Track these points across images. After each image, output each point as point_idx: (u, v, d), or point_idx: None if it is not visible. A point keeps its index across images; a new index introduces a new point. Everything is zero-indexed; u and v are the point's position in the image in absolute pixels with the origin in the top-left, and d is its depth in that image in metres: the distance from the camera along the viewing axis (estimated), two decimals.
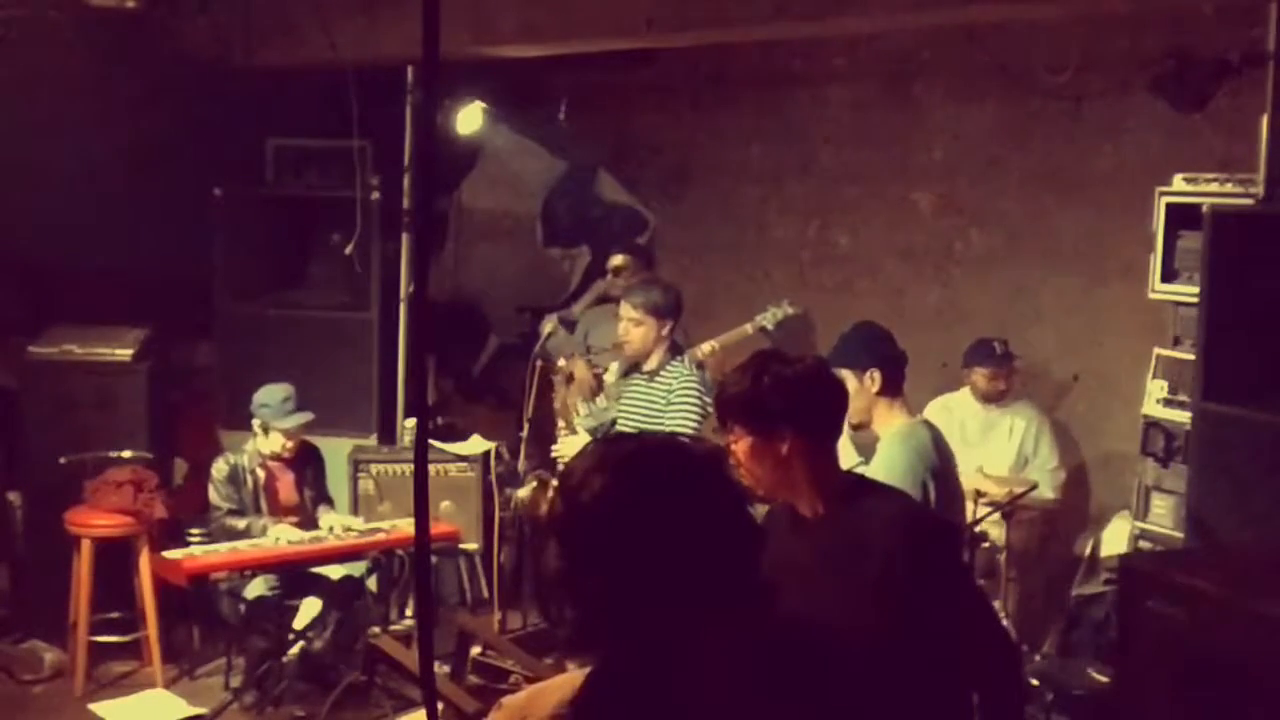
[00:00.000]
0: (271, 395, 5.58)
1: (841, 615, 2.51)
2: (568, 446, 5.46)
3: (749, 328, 6.13)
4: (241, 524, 5.52)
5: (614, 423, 5.38)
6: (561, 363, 6.15)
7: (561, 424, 5.54)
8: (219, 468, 5.63)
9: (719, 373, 6.17)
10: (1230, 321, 4.36)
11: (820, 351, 6.44)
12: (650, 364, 5.27)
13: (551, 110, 7.09)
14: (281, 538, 5.44)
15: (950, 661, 2.69)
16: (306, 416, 5.60)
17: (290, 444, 5.64)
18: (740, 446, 2.75)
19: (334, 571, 5.60)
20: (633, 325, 5.24)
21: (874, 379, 3.87)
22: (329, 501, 5.90)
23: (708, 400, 5.18)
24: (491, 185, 7.74)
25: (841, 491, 2.80)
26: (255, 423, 5.63)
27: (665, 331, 5.27)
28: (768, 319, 6.15)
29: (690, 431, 5.05)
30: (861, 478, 3.02)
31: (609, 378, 5.83)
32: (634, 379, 5.35)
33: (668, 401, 5.14)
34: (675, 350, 5.33)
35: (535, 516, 5.76)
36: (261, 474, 5.67)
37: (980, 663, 2.75)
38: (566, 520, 1.77)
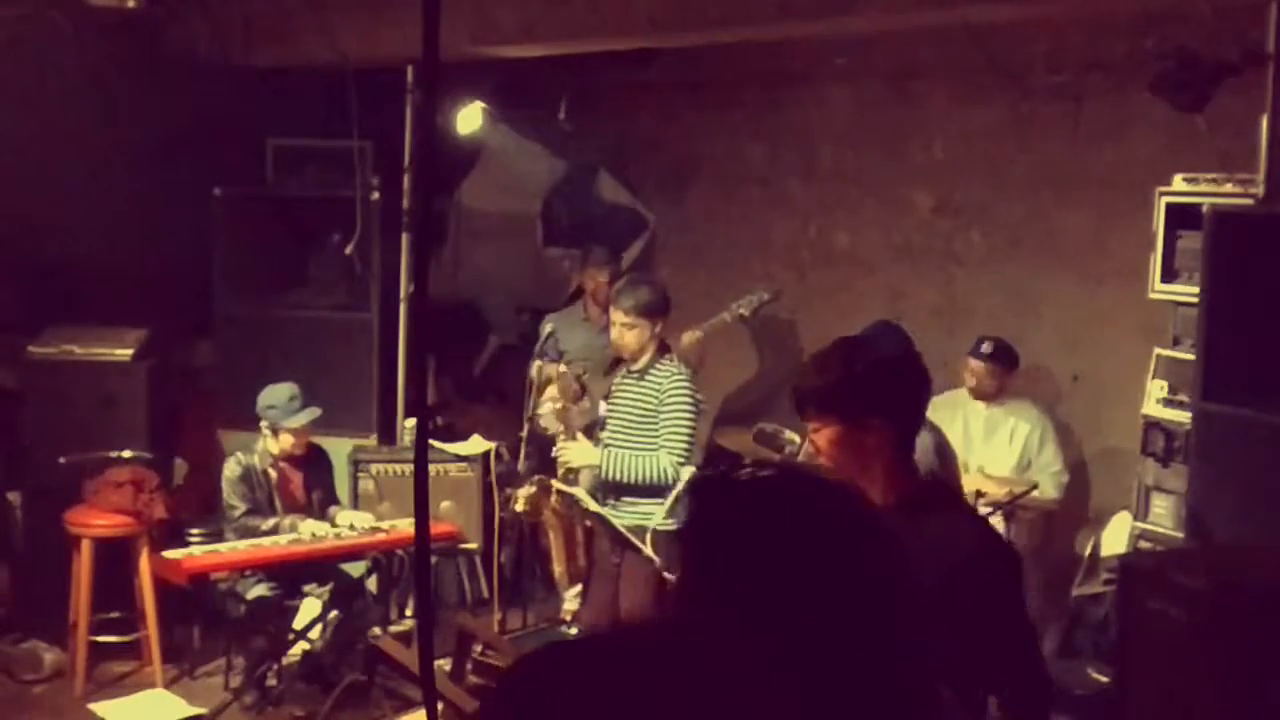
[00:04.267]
0: (277, 396, 5.57)
1: None
2: (572, 452, 5.43)
3: (727, 316, 6.15)
4: (267, 524, 5.50)
5: (604, 421, 5.37)
6: (544, 369, 6.13)
7: (561, 429, 5.50)
8: (231, 468, 5.60)
9: (700, 361, 6.18)
10: (1230, 321, 4.36)
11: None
12: (640, 363, 5.24)
13: (551, 110, 7.09)
14: (318, 533, 5.44)
15: (983, 687, 2.62)
16: (315, 413, 5.60)
17: (301, 442, 5.63)
18: (824, 435, 2.69)
19: (330, 574, 5.60)
20: (626, 329, 5.20)
21: None
22: (337, 502, 5.89)
23: (699, 397, 5.20)
24: (491, 185, 7.73)
25: (915, 491, 2.72)
26: (263, 425, 5.61)
27: (657, 330, 5.26)
28: (744, 306, 6.16)
29: (686, 428, 5.07)
30: (940, 483, 2.98)
31: (587, 379, 5.83)
32: (624, 379, 5.34)
33: (660, 400, 5.13)
34: (664, 349, 5.33)
35: (535, 519, 5.76)
36: (274, 474, 5.66)
37: (1014, 694, 2.70)
38: (696, 538, 1.59)
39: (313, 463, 5.80)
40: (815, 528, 1.55)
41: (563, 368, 5.96)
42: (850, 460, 2.65)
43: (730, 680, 1.42)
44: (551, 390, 5.83)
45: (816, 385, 2.70)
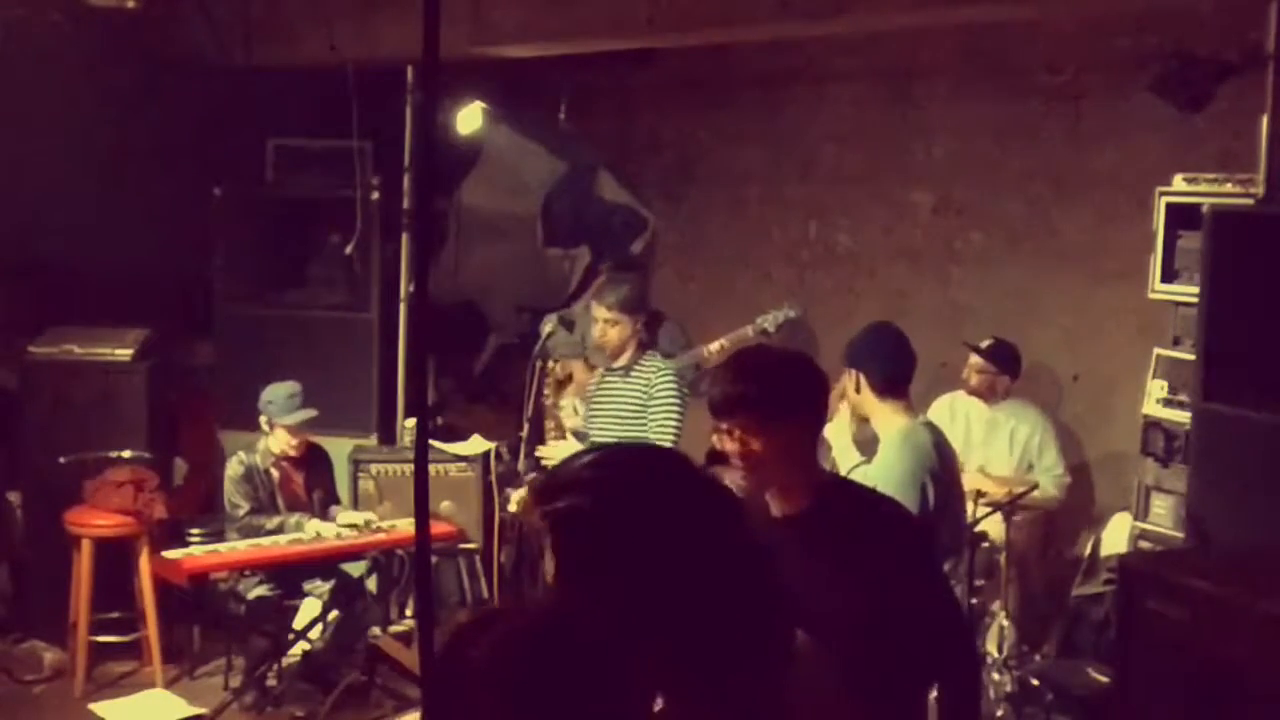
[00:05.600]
0: (277, 392, 5.60)
1: (823, 608, 2.58)
2: (556, 451, 5.46)
3: (749, 330, 6.14)
4: (272, 523, 5.52)
5: (589, 422, 5.39)
6: (555, 364, 6.16)
7: (551, 425, 5.54)
8: (234, 467, 5.62)
9: None
10: (1230, 321, 4.35)
11: (824, 351, 6.45)
12: (622, 361, 5.29)
13: (551, 110, 7.08)
14: (323, 532, 5.46)
15: (916, 657, 2.78)
16: (310, 413, 5.61)
17: (295, 441, 5.64)
18: (750, 442, 2.76)
19: (330, 574, 5.60)
20: (609, 326, 5.25)
21: (859, 381, 3.97)
22: (338, 501, 5.90)
23: (685, 393, 5.26)
24: (491, 185, 7.73)
25: (825, 486, 2.86)
26: (261, 419, 5.64)
27: (638, 327, 5.30)
28: (769, 321, 6.17)
29: (674, 425, 5.13)
30: (842, 477, 3.11)
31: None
32: (607, 377, 5.38)
33: (649, 396, 5.17)
34: (644, 346, 5.37)
35: (529, 519, 5.77)
36: (276, 474, 5.67)
37: (943, 661, 2.83)
38: (557, 547, 1.69)
39: (313, 462, 5.81)
40: (652, 497, 1.69)
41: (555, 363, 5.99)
42: (771, 459, 2.75)
43: (594, 647, 1.53)
44: (571, 388, 5.86)
45: (737, 390, 2.78)
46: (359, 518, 5.65)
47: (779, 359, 2.91)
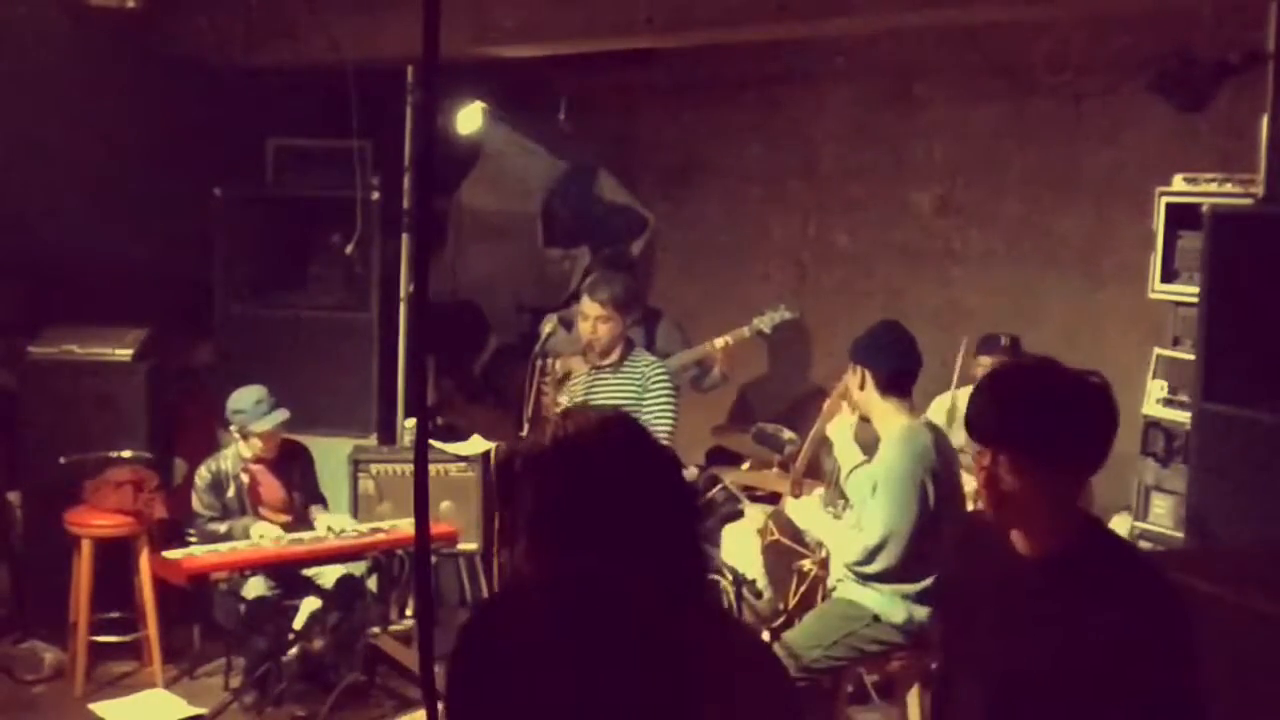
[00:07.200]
0: (244, 400, 5.53)
1: (1046, 665, 2.31)
2: None
3: (746, 331, 6.15)
4: (223, 528, 5.48)
5: None
6: (555, 363, 6.15)
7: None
8: (201, 475, 5.59)
9: (730, 368, 6.21)
10: (1230, 321, 4.35)
11: (823, 350, 6.44)
12: (612, 357, 5.30)
13: (551, 110, 7.09)
14: (266, 537, 5.41)
15: None
16: (283, 415, 5.55)
17: (269, 445, 5.58)
18: (1003, 479, 2.40)
19: (330, 574, 5.59)
20: (601, 322, 5.25)
21: (864, 377, 3.96)
22: (322, 501, 5.87)
23: (676, 385, 5.36)
24: (491, 185, 7.74)
25: (1084, 532, 2.50)
26: (233, 429, 5.60)
27: (629, 324, 5.33)
28: (765, 322, 6.18)
29: (669, 418, 5.18)
30: (1105, 528, 2.64)
31: None
32: (596, 375, 5.39)
33: (643, 390, 5.20)
34: (630, 343, 5.40)
35: None
36: (245, 478, 5.62)
37: None
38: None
39: (292, 462, 5.74)
40: (573, 445, 1.91)
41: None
42: (1026, 501, 2.40)
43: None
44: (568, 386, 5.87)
45: (1022, 421, 2.40)
46: (338, 523, 5.60)
47: (1071, 387, 2.50)
